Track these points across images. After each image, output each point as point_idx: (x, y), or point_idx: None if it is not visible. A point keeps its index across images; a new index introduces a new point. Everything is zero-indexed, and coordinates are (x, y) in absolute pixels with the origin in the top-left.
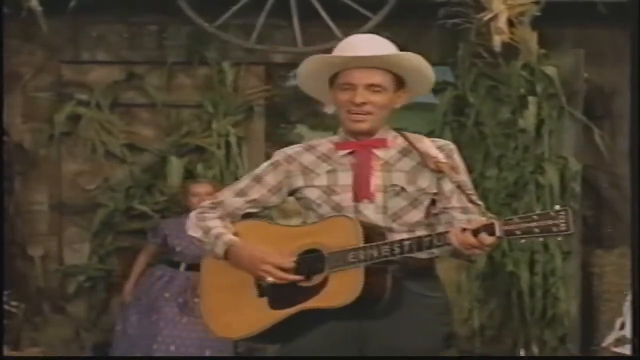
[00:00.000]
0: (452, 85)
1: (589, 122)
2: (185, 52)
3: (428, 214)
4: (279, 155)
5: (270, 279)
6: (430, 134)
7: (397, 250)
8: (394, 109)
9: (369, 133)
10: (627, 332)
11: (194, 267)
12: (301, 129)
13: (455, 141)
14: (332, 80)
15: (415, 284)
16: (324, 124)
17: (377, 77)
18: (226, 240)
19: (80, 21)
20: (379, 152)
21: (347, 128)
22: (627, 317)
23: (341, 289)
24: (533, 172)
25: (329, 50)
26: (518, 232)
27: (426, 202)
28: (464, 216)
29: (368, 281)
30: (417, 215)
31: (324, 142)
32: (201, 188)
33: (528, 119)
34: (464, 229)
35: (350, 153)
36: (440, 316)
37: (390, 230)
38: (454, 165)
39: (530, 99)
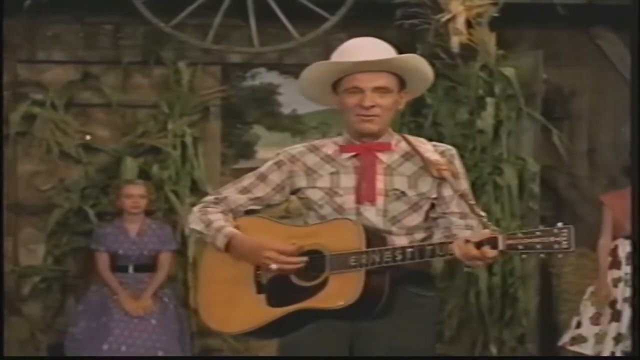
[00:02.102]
0: None
1: (547, 123)
2: (141, 52)
3: (427, 218)
4: (282, 154)
5: (274, 266)
6: None
7: (399, 257)
8: (398, 110)
9: (376, 135)
10: (584, 331)
11: (143, 267)
12: (258, 129)
13: None
14: (335, 85)
15: (412, 283)
16: (281, 124)
17: (384, 80)
18: (227, 233)
19: (36, 21)
20: (382, 156)
21: (356, 129)
22: (584, 317)
23: (341, 291)
24: (491, 172)
25: (285, 51)
26: (520, 247)
27: (426, 207)
28: (462, 221)
29: (367, 284)
30: (416, 219)
31: (328, 144)
32: (134, 189)
33: (486, 120)
34: (467, 241)
35: (354, 156)
36: (434, 315)
37: (390, 233)
38: (455, 171)
39: (489, 100)
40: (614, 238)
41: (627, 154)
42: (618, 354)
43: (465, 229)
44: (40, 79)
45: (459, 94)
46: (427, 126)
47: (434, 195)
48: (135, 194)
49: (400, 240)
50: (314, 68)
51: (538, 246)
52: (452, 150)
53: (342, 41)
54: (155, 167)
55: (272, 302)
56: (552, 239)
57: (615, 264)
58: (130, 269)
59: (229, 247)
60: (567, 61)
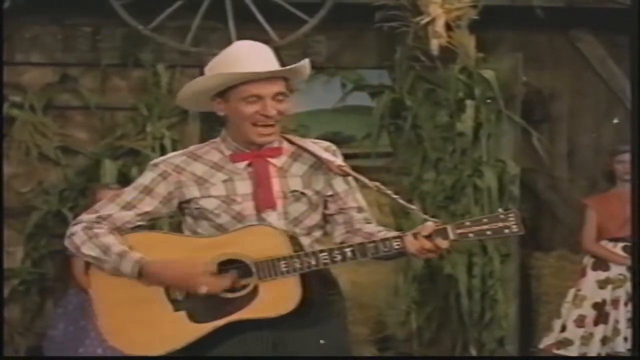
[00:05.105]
0: (390, 89)
1: (527, 126)
2: (119, 54)
3: (323, 216)
4: (163, 165)
5: (205, 289)
6: (366, 138)
7: (338, 257)
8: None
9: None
10: (569, 334)
11: None
12: None
13: (392, 144)
14: (224, 92)
15: (318, 282)
16: None
17: (281, 86)
18: (137, 259)
19: (14, 22)
20: (273, 159)
21: (251, 140)
22: (568, 320)
23: (278, 298)
24: (471, 175)
25: None
26: (471, 235)
27: (322, 205)
28: (361, 215)
29: (304, 289)
30: (315, 218)
31: (210, 150)
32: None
33: (466, 123)
34: (416, 235)
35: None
36: (343, 311)
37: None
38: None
39: (468, 102)
40: (598, 240)
41: (606, 156)
42: (604, 354)
43: (366, 222)
44: (19, 81)
45: (438, 97)
46: (407, 129)
47: (330, 193)
48: None
49: (304, 241)
50: (214, 78)
51: (488, 232)
52: (334, 147)
53: (320, 43)
54: (134, 169)
55: (196, 318)
56: (500, 224)
57: (602, 266)
58: None
59: (142, 273)
60: (546, 64)
